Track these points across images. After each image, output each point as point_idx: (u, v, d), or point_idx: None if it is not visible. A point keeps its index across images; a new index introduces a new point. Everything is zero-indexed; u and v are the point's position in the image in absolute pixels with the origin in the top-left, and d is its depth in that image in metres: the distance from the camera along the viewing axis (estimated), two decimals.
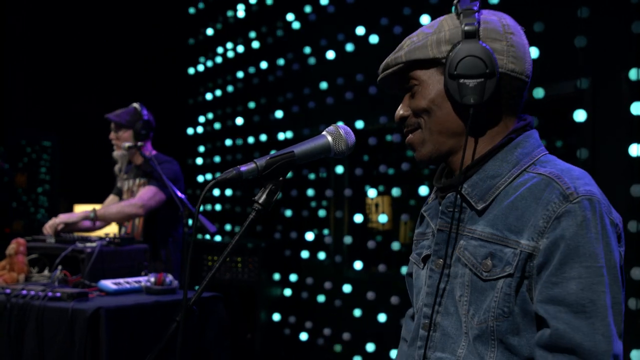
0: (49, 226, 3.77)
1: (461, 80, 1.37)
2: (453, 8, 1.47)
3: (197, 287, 1.25)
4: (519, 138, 1.43)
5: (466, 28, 1.38)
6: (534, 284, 1.32)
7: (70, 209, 6.33)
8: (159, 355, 1.23)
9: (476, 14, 1.40)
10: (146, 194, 4.09)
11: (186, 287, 1.23)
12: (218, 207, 6.53)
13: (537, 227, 1.30)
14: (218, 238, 6.07)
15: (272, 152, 1.42)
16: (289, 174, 1.44)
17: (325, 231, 5.50)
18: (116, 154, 4.28)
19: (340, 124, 1.48)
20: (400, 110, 1.50)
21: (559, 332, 1.25)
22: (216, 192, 6.49)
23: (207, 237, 5.94)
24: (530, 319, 1.33)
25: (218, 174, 6.51)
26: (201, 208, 6.59)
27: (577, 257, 1.26)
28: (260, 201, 1.37)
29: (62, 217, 3.86)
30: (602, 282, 1.25)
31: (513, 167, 1.40)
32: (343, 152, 1.46)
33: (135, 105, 4.28)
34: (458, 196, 1.43)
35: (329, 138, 1.45)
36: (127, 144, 4.05)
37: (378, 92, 4.76)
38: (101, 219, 3.99)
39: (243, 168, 1.36)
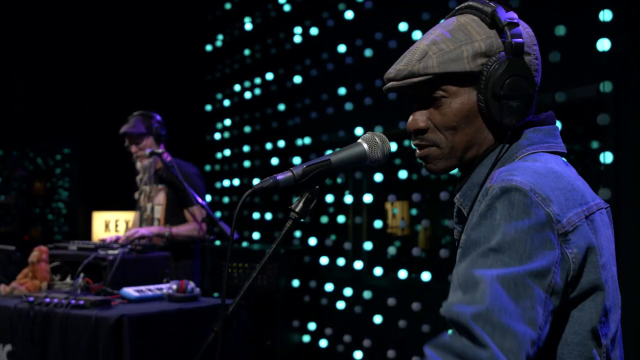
0: (126, 236, 3.90)
1: (505, 101, 1.28)
2: (475, 13, 1.35)
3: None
4: (507, 143, 1.33)
5: (515, 43, 1.28)
6: None
7: (88, 216, 6.37)
8: None
9: (519, 27, 1.30)
10: (198, 216, 4.22)
11: (224, 296, 1.22)
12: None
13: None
14: (244, 244, 6.08)
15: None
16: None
17: (344, 237, 5.48)
18: (140, 165, 4.26)
19: (377, 131, 1.45)
20: (421, 123, 1.36)
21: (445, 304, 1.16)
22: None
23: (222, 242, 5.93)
24: None
25: (238, 180, 6.56)
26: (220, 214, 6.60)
27: (472, 247, 1.18)
28: (297, 210, 1.36)
29: (141, 232, 3.96)
30: (485, 263, 1.14)
31: (488, 171, 1.33)
32: (379, 159, 1.43)
33: (140, 112, 4.28)
34: (458, 206, 1.40)
35: (365, 146, 1.42)
36: (148, 151, 4.05)
37: (397, 98, 4.74)
38: (175, 238, 4.14)
39: (280, 177, 1.35)
